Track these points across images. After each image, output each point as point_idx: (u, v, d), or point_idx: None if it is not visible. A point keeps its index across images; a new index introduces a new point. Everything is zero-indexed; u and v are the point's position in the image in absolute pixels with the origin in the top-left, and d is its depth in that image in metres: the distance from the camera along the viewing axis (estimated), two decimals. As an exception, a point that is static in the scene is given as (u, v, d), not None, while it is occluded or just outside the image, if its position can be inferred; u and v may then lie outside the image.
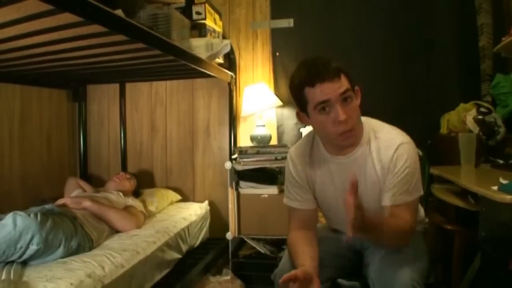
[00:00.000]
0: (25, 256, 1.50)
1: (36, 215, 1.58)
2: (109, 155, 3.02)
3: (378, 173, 1.24)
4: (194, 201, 2.81)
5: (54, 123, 2.75)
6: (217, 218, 2.76)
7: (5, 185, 2.33)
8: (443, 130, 2.34)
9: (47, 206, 1.87)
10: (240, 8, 2.84)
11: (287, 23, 2.75)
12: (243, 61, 2.84)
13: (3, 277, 1.36)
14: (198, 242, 2.48)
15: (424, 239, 1.41)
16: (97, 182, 2.81)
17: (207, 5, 2.36)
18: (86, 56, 1.85)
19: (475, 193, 1.54)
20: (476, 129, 2.08)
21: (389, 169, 1.22)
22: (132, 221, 2.04)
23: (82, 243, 1.68)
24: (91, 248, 1.71)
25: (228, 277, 2.38)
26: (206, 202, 2.74)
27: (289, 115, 2.74)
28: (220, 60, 2.59)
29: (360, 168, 1.26)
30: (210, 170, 2.86)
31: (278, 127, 2.78)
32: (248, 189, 2.46)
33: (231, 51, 2.67)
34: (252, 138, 2.62)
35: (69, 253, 1.61)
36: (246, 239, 2.51)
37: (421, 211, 1.47)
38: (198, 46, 2.15)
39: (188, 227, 2.32)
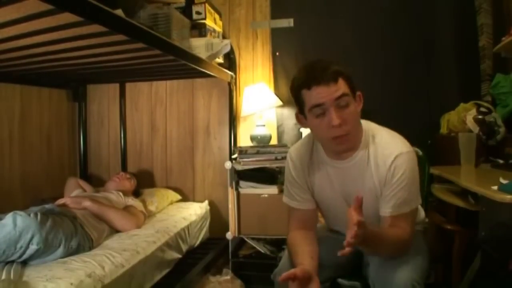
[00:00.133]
0: (25, 256, 1.50)
1: (36, 215, 1.58)
2: (109, 155, 3.02)
3: (375, 180, 1.23)
4: (194, 201, 2.81)
5: (54, 123, 2.75)
6: (217, 218, 2.76)
7: (5, 185, 2.33)
8: (443, 130, 2.34)
9: (47, 206, 1.87)
10: (240, 8, 2.84)
11: (287, 23, 2.75)
12: (243, 61, 2.84)
13: (3, 277, 1.36)
14: (198, 242, 2.48)
15: (424, 239, 1.40)
16: (97, 182, 2.81)
17: (207, 5, 2.36)
18: (86, 56, 1.85)
19: (475, 193, 1.54)
20: (476, 129, 2.08)
21: (386, 179, 1.21)
22: (132, 221, 2.04)
23: (82, 243, 1.68)
24: (91, 248, 1.71)
25: (228, 277, 2.38)
26: (206, 202, 2.74)
27: (289, 115, 2.74)
28: (220, 60, 2.59)
29: (358, 174, 1.25)
30: (210, 170, 2.86)
31: (278, 127, 2.78)
32: (248, 189, 2.46)
33: (231, 51, 2.67)
34: (252, 138, 2.62)
35: (69, 253, 1.61)
36: (246, 239, 2.51)
37: (421, 211, 1.47)
38: (198, 46, 2.15)
39: (188, 227, 2.32)
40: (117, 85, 2.97)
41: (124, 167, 2.94)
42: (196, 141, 2.89)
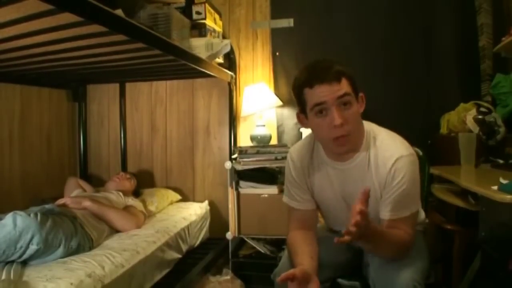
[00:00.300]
0: (25, 256, 1.50)
1: (36, 215, 1.58)
2: (109, 155, 3.02)
3: (376, 183, 1.22)
4: (194, 201, 2.81)
5: (54, 123, 2.75)
6: (217, 218, 2.76)
7: (5, 185, 2.33)
8: (443, 130, 2.34)
9: (47, 206, 1.86)
10: (240, 8, 2.84)
11: (287, 23, 2.75)
12: (243, 61, 2.84)
13: (3, 277, 1.36)
14: (198, 242, 2.48)
15: (424, 239, 1.40)
16: (97, 182, 2.82)
17: (207, 5, 2.37)
18: (86, 56, 1.85)
19: (475, 193, 1.54)
20: (476, 129, 2.08)
21: (386, 182, 1.20)
22: (132, 220, 2.04)
23: (82, 243, 1.68)
24: (91, 248, 1.71)
25: (228, 277, 2.37)
26: (206, 202, 2.74)
27: (289, 115, 2.74)
28: (220, 60, 2.59)
29: (359, 176, 1.25)
30: (210, 170, 2.86)
31: (278, 127, 2.78)
32: (248, 189, 2.46)
33: (231, 51, 2.67)
34: (252, 138, 2.62)
35: (69, 253, 1.61)
36: (246, 239, 2.51)
37: (421, 211, 1.46)
38: (198, 46, 2.15)
39: (188, 227, 2.32)
40: (117, 85, 2.97)
41: (124, 167, 2.94)
42: (196, 141, 2.89)
